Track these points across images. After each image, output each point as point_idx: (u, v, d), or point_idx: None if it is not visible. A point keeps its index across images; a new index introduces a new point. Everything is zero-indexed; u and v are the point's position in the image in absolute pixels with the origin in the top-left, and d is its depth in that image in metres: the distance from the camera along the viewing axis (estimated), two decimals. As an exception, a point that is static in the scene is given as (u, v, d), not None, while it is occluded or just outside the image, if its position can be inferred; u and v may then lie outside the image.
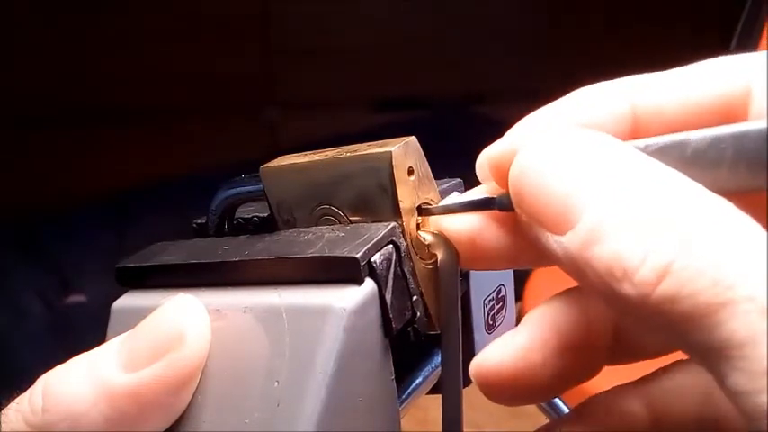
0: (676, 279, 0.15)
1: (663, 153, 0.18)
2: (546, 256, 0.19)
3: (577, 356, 0.21)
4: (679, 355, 0.19)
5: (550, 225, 0.18)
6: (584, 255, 0.17)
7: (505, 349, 0.21)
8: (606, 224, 0.17)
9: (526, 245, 0.21)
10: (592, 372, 0.22)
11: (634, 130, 0.20)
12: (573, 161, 0.18)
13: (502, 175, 0.21)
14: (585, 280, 0.17)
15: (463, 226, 0.22)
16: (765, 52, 0.19)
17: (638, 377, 0.22)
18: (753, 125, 0.17)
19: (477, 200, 0.22)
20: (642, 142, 0.19)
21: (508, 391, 0.21)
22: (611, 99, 0.20)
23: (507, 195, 0.20)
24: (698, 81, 0.20)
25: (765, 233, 0.15)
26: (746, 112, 0.19)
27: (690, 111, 0.20)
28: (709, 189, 0.17)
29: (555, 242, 0.18)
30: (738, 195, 0.17)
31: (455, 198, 0.24)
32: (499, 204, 0.21)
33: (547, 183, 0.18)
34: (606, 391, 0.23)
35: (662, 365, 0.22)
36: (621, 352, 0.22)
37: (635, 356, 0.23)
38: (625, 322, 0.22)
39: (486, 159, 0.22)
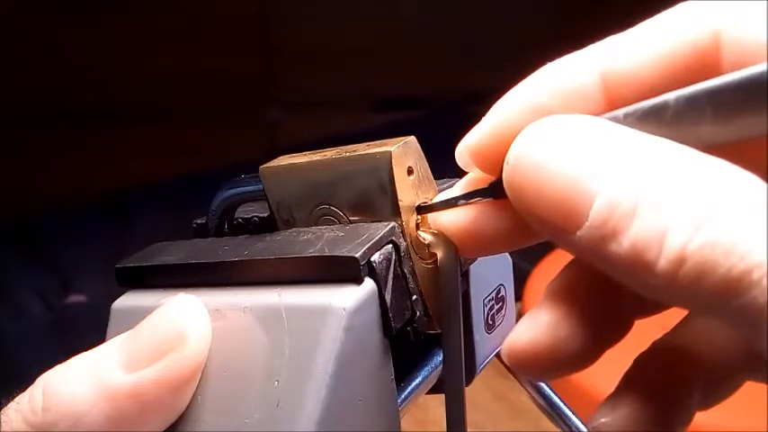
0: (695, 262, 0.15)
1: (644, 119, 0.18)
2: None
3: (605, 320, 0.21)
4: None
5: (557, 224, 0.18)
6: (600, 253, 0.17)
7: (531, 329, 0.20)
8: (616, 217, 0.16)
9: (523, 226, 0.20)
10: (624, 330, 0.21)
11: (608, 99, 0.20)
12: (570, 153, 0.18)
13: (486, 161, 0.21)
14: (606, 271, 0.17)
15: (459, 217, 0.22)
16: None
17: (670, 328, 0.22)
18: (726, 78, 0.17)
19: (471, 192, 0.22)
20: (621, 111, 0.18)
21: (544, 367, 0.21)
22: (579, 71, 0.20)
23: (498, 182, 0.20)
24: (662, 35, 0.19)
25: (765, 186, 0.15)
26: (718, 59, 0.18)
27: (660, 68, 0.19)
28: (694, 147, 0.16)
29: (565, 239, 0.18)
30: (721, 148, 0.17)
31: (447, 193, 0.23)
32: (492, 192, 0.21)
33: (546, 179, 0.18)
34: (644, 353, 0.22)
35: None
36: (648, 303, 0.22)
37: (660, 307, 0.22)
38: None
39: (465, 149, 0.21)
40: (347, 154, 0.24)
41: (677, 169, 0.16)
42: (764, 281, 0.14)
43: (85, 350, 0.23)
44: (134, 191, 1.03)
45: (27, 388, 0.23)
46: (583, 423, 0.30)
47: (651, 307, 0.22)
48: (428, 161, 0.24)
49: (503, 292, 0.30)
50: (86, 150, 1.03)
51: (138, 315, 0.23)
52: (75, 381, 0.22)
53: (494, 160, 0.20)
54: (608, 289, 0.20)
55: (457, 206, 0.22)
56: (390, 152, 0.23)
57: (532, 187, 0.18)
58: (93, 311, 0.88)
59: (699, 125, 0.17)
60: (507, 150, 0.19)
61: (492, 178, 0.21)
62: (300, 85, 1.12)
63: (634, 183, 0.16)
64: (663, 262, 0.15)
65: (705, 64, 0.18)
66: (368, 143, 0.24)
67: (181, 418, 0.23)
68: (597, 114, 0.19)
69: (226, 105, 1.10)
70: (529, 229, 0.20)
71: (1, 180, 0.93)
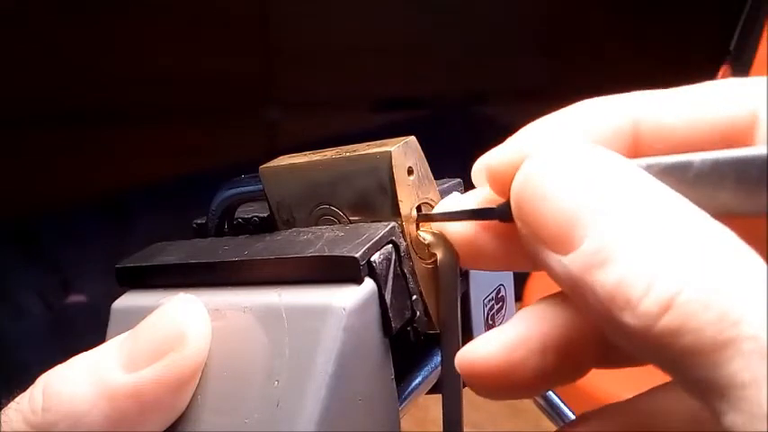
0: (681, 312, 0.15)
1: (665, 174, 0.18)
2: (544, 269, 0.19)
3: (560, 357, 0.20)
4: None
5: (552, 243, 0.18)
6: (586, 278, 0.17)
7: (489, 344, 0.20)
8: (611, 248, 0.16)
9: (524, 252, 0.20)
10: (577, 373, 0.21)
11: (635, 147, 0.20)
12: (580, 178, 0.17)
13: (499, 183, 0.21)
14: (584, 302, 0.17)
15: (462, 229, 0.22)
16: None
17: (627, 397, 0.22)
18: (755, 150, 0.17)
19: (477, 209, 0.22)
20: (645, 161, 0.18)
21: (490, 384, 0.21)
22: (615, 113, 0.20)
23: (507, 205, 0.20)
24: (704, 103, 0.19)
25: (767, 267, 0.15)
26: (752, 137, 0.19)
27: (693, 132, 0.19)
28: (709, 212, 0.16)
29: (555, 261, 0.18)
30: (736, 219, 0.17)
31: (454, 202, 0.23)
32: (499, 214, 0.21)
33: (551, 198, 0.18)
34: (593, 412, 0.22)
35: (648, 386, 0.22)
36: (610, 358, 0.22)
37: (623, 363, 0.22)
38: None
39: (483, 167, 0.21)
40: (347, 154, 0.24)
41: (682, 219, 0.16)
42: (755, 356, 0.14)
43: (85, 350, 0.23)
44: (134, 191, 1.03)
45: (27, 388, 0.23)
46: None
47: (613, 362, 0.22)
48: (428, 161, 0.24)
49: (503, 292, 0.30)
50: (86, 150, 1.03)
51: (138, 315, 0.23)
52: (75, 381, 0.22)
53: (509, 184, 0.20)
54: (575, 331, 0.20)
55: (457, 220, 0.22)
56: (390, 152, 0.23)
57: (536, 202, 0.18)
58: (93, 311, 0.88)
59: (719, 191, 0.17)
60: None
61: (499, 200, 0.21)
62: (300, 85, 1.12)
63: (637, 219, 0.16)
64: (648, 302, 0.15)
65: (738, 139, 0.19)
66: (368, 143, 0.24)
67: (181, 418, 0.23)
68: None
69: (226, 105, 1.10)
70: (528, 256, 0.20)
71: (1, 180, 0.93)
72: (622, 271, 0.16)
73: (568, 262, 0.17)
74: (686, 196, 0.17)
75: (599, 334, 0.21)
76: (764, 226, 0.18)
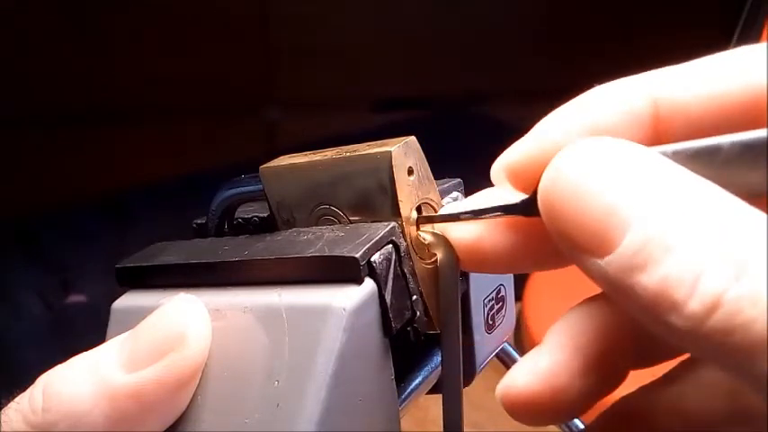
0: (728, 311, 0.14)
1: (693, 160, 0.17)
2: (553, 264, 0.18)
3: (603, 370, 0.20)
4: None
5: (588, 246, 0.17)
6: (627, 281, 0.16)
7: (530, 375, 0.20)
8: (651, 248, 0.16)
9: (528, 252, 0.20)
10: (619, 380, 0.21)
11: (655, 127, 0.19)
12: (613, 176, 0.17)
13: (521, 180, 0.20)
14: (627, 304, 0.17)
15: (465, 232, 0.22)
16: None
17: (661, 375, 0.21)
18: None
19: (500, 206, 0.21)
20: (672, 147, 0.18)
21: (538, 414, 0.20)
22: (631, 96, 0.19)
23: (531, 200, 0.19)
24: (723, 74, 0.18)
25: None
26: None
27: (715, 106, 0.18)
28: (742, 195, 0.16)
29: (593, 264, 0.17)
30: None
31: (459, 205, 0.23)
32: (522, 209, 0.20)
33: (583, 199, 0.17)
34: (628, 396, 0.22)
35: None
36: (647, 355, 0.21)
37: (661, 357, 0.22)
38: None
39: (502, 167, 0.21)
40: (347, 154, 0.24)
41: (721, 211, 0.16)
42: None
43: (85, 350, 0.23)
44: (134, 191, 1.03)
45: (27, 388, 0.23)
46: (582, 423, 0.30)
47: (651, 359, 0.22)
48: (428, 161, 0.24)
49: (503, 292, 0.30)
50: (86, 150, 1.03)
51: (138, 315, 0.23)
52: (76, 381, 0.22)
53: (531, 179, 0.19)
54: (610, 339, 0.20)
55: (458, 220, 0.22)
56: (390, 152, 0.23)
57: (567, 205, 0.17)
58: (93, 311, 0.88)
59: (750, 174, 0.17)
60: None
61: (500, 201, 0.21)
62: (300, 85, 1.12)
63: (674, 216, 0.16)
64: (694, 303, 0.15)
65: (761, 110, 0.18)
66: (368, 143, 0.24)
67: (181, 418, 0.23)
68: (643, 142, 0.18)
69: (226, 105, 1.10)
70: (530, 256, 0.19)
71: (1, 180, 0.93)
72: (665, 272, 0.15)
73: (607, 265, 0.16)
74: (716, 180, 0.16)
75: (635, 336, 0.20)
76: None
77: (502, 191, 0.22)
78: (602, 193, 0.17)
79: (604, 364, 0.20)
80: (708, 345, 0.15)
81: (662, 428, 0.21)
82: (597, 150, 0.18)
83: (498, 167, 0.21)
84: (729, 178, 0.17)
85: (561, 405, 0.20)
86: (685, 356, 0.22)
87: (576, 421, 0.30)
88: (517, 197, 0.20)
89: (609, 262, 0.16)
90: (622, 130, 0.19)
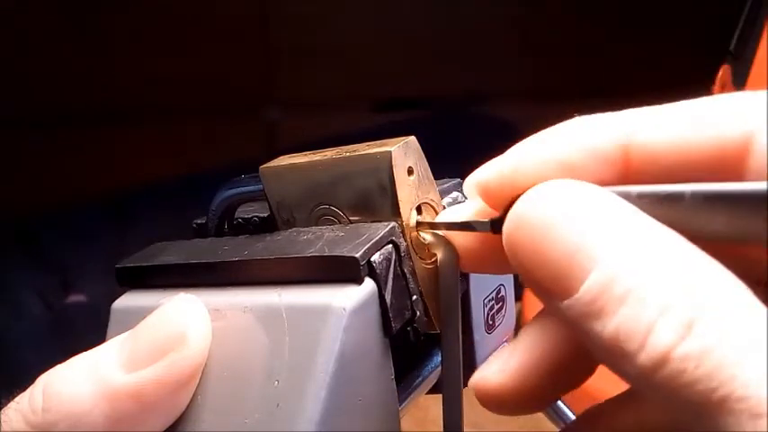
0: (675, 369, 0.15)
1: (657, 204, 0.18)
2: None
3: (572, 367, 0.21)
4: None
5: (549, 289, 0.17)
6: (583, 327, 0.17)
7: (502, 372, 0.21)
8: (606, 297, 0.16)
9: None
10: (588, 374, 0.21)
11: (626, 168, 0.19)
12: (573, 224, 0.17)
13: (492, 199, 0.21)
14: (585, 344, 0.17)
15: (465, 233, 0.22)
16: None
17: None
18: (744, 186, 0.17)
19: (471, 222, 0.22)
20: (636, 190, 0.18)
21: (509, 405, 0.21)
22: (605, 134, 0.20)
23: (500, 220, 0.20)
24: (694, 124, 0.19)
25: (766, 314, 0.15)
26: (745, 159, 0.18)
27: (683, 154, 0.19)
28: (703, 240, 0.16)
29: (554, 305, 0.18)
30: (728, 248, 0.17)
31: (455, 211, 0.23)
32: (492, 228, 0.21)
33: (544, 245, 0.18)
34: (596, 407, 0.22)
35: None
36: None
37: None
38: None
39: (474, 184, 0.21)
40: (347, 154, 0.24)
41: (677, 265, 0.16)
42: (744, 416, 0.14)
43: (85, 350, 0.23)
44: (134, 191, 1.03)
45: (27, 388, 0.23)
46: (572, 411, 0.30)
47: None
48: (428, 161, 0.24)
49: (503, 292, 0.30)
50: (86, 150, 1.03)
51: (138, 315, 0.23)
52: (76, 381, 0.22)
53: (500, 199, 0.20)
54: (575, 340, 0.20)
55: (455, 230, 0.22)
56: (390, 152, 0.23)
57: (530, 249, 0.18)
58: (93, 311, 0.88)
59: (712, 223, 0.17)
60: (515, 193, 0.19)
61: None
62: (300, 85, 1.12)
63: (631, 268, 0.16)
64: (643, 357, 0.15)
65: (730, 160, 0.18)
66: (368, 143, 0.24)
67: (181, 418, 0.23)
68: (611, 181, 0.19)
69: (226, 105, 1.10)
70: None
71: (1, 180, 0.93)
72: (618, 322, 0.16)
73: (566, 309, 0.17)
74: (678, 225, 0.17)
75: None
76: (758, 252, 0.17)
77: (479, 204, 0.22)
78: (562, 239, 0.17)
79: (574, 361, 0.20)
80: (657, 395, 0.15)
81: None
82: (559, 195, 0.18)
83: (471, 183, 0.22)
84: (693, 226, 0.17)
85: (532, 397, 0.21)
86: None
87: (566, 410, 0.30)
88: (488, 214, 0.21)
89: (568, 306, 0.17)
90: (591, 168, 0.19)
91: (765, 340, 0.14)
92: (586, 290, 0.16)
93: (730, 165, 0.18)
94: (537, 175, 0.19)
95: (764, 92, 0.18)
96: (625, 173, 0.19)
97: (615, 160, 0.19)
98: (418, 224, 0.23)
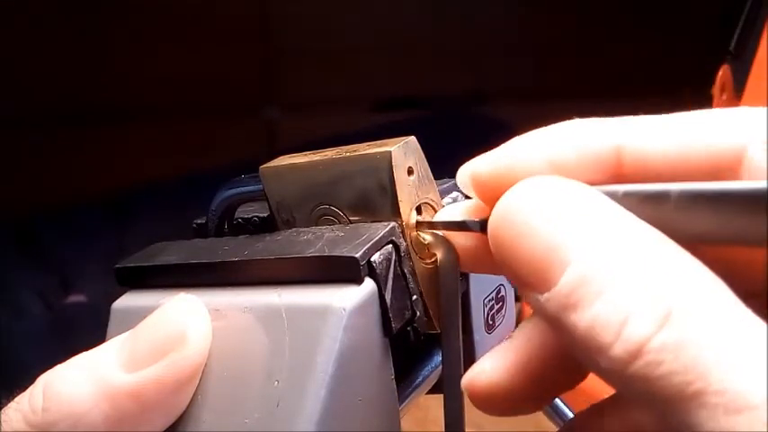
0: (650, 360, 0.15)
1: (643, 203, 0.18)
2: None
3: (564, 367, 0.21)
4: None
5: (529, 282, 0.18)
6: (562, 320, 0.17)
7: (494, 370, 0.21)
8: (584, 289, 0.16)
9: None
10: (583, 373, 0.21)
11: (617, 172, 0.20)
12: (554, 217, 0.17)
13: (484, 192, 0.21)
14: (563, 339, 0.17)
15: (464, 236, 0.22)
16: (765, 110, 0.18)
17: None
18: (730, 186, 0.17)
19: (464, 221, 0.22)
20: (622, 189, 0.18)
21: (501, 405, 0.21)
22: (600, 138, 0.20)
23: (485, 222, 0.20)
24: (688, 135, 0.19)
25: (745, 312, 0.15)
26: (737, 172, 0.18)
27: (676, 164, 0.19)
28: (687, 240, 0.16)
29: (533, 298, 0.18)
30: (715, 248, 0.17)
31: (451, 210, 0.23)
32: (482, 227, 0.21)
33: (526, 238, 0.18)
34: (583, 412, 0.22)
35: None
36: None
37: None
38: None
39: (468, 174, 0.21)
40: (347, 154, 0.24)
41: (654, 258, 0.16)
42: (720, 410, 0.14)
43: (85, 350, 0.23)
44: (134, 191, 1.03)
45: (27, 388, 0.23)
46: (571, 410, 0.30)
47: None
48: (428, 161, 0.24)
49: (503, 292, 0.30)
50: (86, 150, 1.03)
51: (138, 315, 0.23)
52: (76, 381, 0.22)
53: (492, 194, 0.20)
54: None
55: (453, 230, 0.22)
56: (390, 152, 0.23)
57: (512, 242, 0.18)
58: (93, 311, 0.88)
59: (698, 223, 0.17)
60: (505, 190, 0.19)
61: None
62: (300, 85, 1.12)
63: (608, 261, 0.16)
64: (618, 349, 0.15)
65: (724, 173, 0.18)
66: (368, 143, 0.24)
67: (181, 418, 0.23)
68: (603, 183, 0.19)
69: (226, 105, 1.10)
70: None
71: (1, 180, 0.93)
72: (594, 313, 0.16)
73: (545, 301, 0.17)
74: (663, 225, 0.17)
75: None
76: (741, 255, 0.18)
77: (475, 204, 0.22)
78: (543, 233, 0.17)
79: (566, 362, 0.20)
80: (631, 390, 0.15)
81: None
82: (542, 190, 0.18)
83: (465, 173, 0.22)
84: (677, 223, 0.17)
85: (523, 398, 0.21)
86: None
87: (565, 409, 0.30)
88: (482, 212, 0.21)
89: (547, 299, 0.17)
90: (584, 169, 0.19)
91: (744, 336, 0.14)
92: (564, 283, 0.17)
93: (723, 175, 0.18)
94: (529, 173, 0.19)
95: (760, 108, 0.18)
96: (617, 176, 0.19)
97: (608, 163, 0.20)
98: (417, 224, 0.24)
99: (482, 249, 0.22)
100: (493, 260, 0.22)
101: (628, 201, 0.18)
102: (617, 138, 0.20)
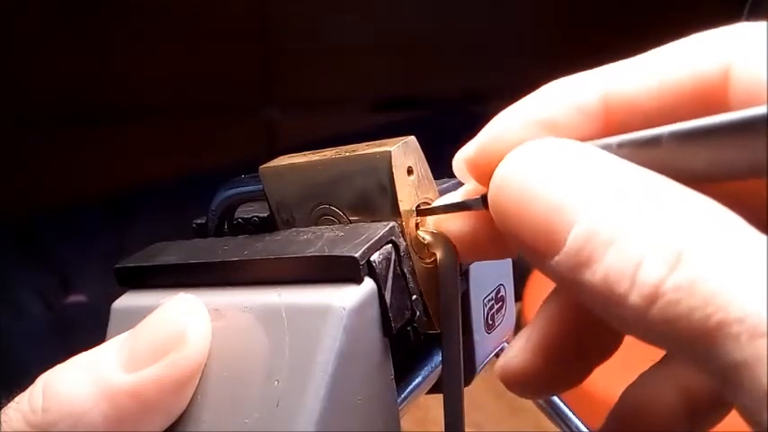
0: (668, 301, 0.15)
1: (637, 151, 0.17)
2: None
3: (596, 337, 0.21)
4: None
5: (537, 247, 0.17)
6: (575, 279, 0.16)
7: (523, 353, 0.21)
8: (594, 244, 0.16)
9: None
10: (617, 344, 0.21)
11: (607, 121, 0.19)
12: (554, 178, 0.17)
13: (482, 173, 0.21)
14: (580, 300, 0.17)
15: (458, 222, 0.22)
16: (743, 24, 0.18)
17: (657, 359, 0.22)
18: (722, 118, 0.16)
19: (463, 201, 0.22)
20: (615, 140, 0.18)
21: (537, 389, 0.21)
22: (583, 92, 0.19)
23: (485, 196, 0.20)
24: (670, 63, 0.18)
25: (759, 237, 0.15)
26: (725, 91, 0.17)
27: (663, 97, 0.18)
28: (688, 181, 0.16)
29: (543, 264, 0.17)
30: (716, 185, 0.16)
31: (448, 197, 0.23)
32: (485, 203, 0.20)
33: (528, 202, 0.17)
34: (633, 384, 0.22)
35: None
36: None
37: None
38: None
39: (462, 160, 0.21)
40: (347, 154, 0.24)
41: (659, 202, 0.16)
42: (743, 337, 0.14)
43: (85, 350, 0.23)
44: (134, 191, 1.03)
45: (27, 388, 0.23)
46: (583, 423, 0.30)
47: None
48: (428, 161, 0.24)
49: (503, 292, 0.30)
50: (86, 150, 1.03)
51: (138, 315, 0.23)
52: (75, 381, 0.22)
53: (489, 170, 0.20)
54: (585, 316, 0.20)
55: (455, 211, 0.22)
56: (390, 152, 0.23)
57: (514, 209, 0.18)
58: (93, 311, 0.88)
59: (692, 162, 0.17)
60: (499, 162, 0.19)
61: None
62: (300, 85, 1.12)
63: (613, 212, 0.16)
64: (634, 296, 0.15)
65: (711, 98, 0.18)
66: (368, 143, 0.24)
67: (181, 418, 0.23)
68: (595, 136, 0.19)
69: (226, 105, 1.10)
70: None
71: (1, 180, 0.93)
72: (607, 265, 0.16)
73: (556, 265, 0.17)
74: (663, 168, 0.16)
75: None
76: (749, 189, 0.17)
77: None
78: (544, 195, 0.17)
79: (597, 332, 0.20)
80: (656, 333, 0.15)
81: (671, 416, 0.21)
82: (539, 153, 0.18)
83: (457, 161, 0.22)
84: (674, 167, 0.17)
85: (557, 377, 0.21)
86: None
87: (565, 409, 0.30)
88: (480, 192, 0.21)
89: (557, 262, 0.17)
90: (574, 124, 0.19)
91: (759, 261, 0.14)
92: (572, 241, 0.16)
93: (712, 102, 0.18)
94: (520, 140, 0.19)
95: (738, 24, 0.18)
96: (607, 126, 0.19)
97: (596, 114, 0.19)
98: (418, 211, 0.23)
99: (482, 233, 0.22)
100: (490, 244, 0.22)
101: (622, 151, 0.18)
102: (600, 86, 0.19)
